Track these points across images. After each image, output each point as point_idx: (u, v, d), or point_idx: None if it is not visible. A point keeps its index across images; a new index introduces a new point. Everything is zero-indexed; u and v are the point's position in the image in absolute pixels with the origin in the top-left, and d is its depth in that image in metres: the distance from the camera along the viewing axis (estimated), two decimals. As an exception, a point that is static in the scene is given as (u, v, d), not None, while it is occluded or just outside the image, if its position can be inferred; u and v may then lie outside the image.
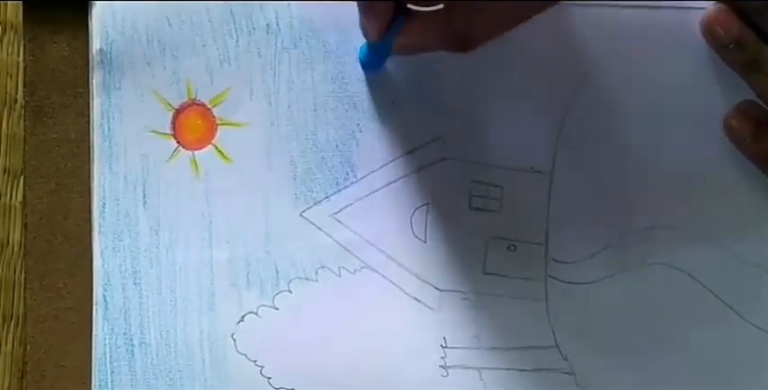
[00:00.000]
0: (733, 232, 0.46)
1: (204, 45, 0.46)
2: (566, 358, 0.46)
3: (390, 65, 0.46)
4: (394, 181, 0.46)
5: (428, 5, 0.38)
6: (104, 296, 0.46)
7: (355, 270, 0.46)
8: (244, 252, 0.46)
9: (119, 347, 0.46)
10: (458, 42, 0.42)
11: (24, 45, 0.46)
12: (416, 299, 0.46)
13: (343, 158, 0.46)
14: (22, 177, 0.47)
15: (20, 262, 0.49)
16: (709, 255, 0.46)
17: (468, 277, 0.46)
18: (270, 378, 0.46)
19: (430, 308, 0.46)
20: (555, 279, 0.46)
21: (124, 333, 0.46)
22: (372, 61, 0.45)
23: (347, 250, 0.46)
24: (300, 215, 0.46)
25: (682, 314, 0.46)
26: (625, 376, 0.46)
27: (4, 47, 0.50)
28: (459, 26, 0.40)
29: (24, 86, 0.46)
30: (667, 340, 0.46)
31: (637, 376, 0.46)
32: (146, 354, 0.46)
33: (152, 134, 0.46)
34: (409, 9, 0.39)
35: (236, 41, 0.46)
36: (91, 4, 0.46)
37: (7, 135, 0.50)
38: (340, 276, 0.46)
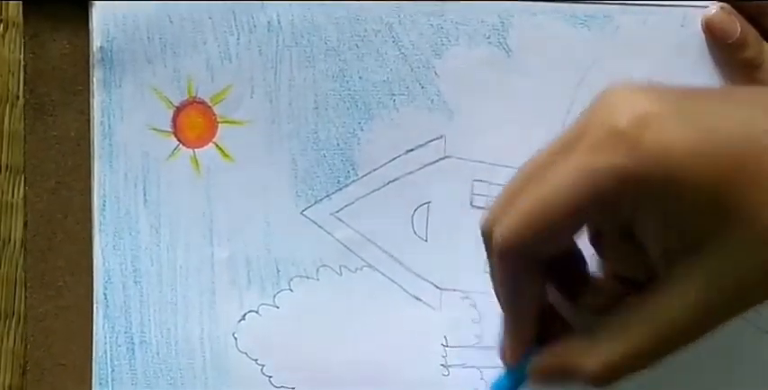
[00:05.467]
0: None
1: (205, 43, 0.46)
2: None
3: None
4: (395, 180, 0.46)
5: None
6: (105, 294, 0.46)
7: (356, 269, 0.46)
8: (244, 251, 0.46)
9: (119, 345, 0.46)
10: None
11: (25, 43, 0.46)
12: (417, 298, 0.46)
13: (344, 156, 0.46)
14: (23, 174, 0.47)
15: (21, 260, 0.49)
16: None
17: (469, 276, 0.46)
18: (270, 377, 0.46)
19: (431, 307, 0.46)
20: (556, 277, 0.46)
21: (125, 332, 0.46)
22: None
23: (348, 248, 0.46)
24: (301, 213, 0.46)
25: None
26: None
27: (5, 44, 0.50)
28: None
29: (25, 84, 0.46)
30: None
31: (636, 377, 0.46)
32: (146, 352, 0.46)
33: (153, 132, 0.46)
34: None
35: (237, 39, 0.46)
36: (91, 2, 0.46)
37: (8, 132, 0.50)
38: (341, 274, 0.46)
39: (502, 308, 0.39)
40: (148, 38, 0.46)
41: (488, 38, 0.46)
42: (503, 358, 0.40)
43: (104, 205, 0.46)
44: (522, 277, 0.38)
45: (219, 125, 0.46)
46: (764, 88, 0.39)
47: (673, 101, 0.35)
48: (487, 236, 0.38)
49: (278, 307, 0.46)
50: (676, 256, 0.36)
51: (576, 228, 0.36)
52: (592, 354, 0.37)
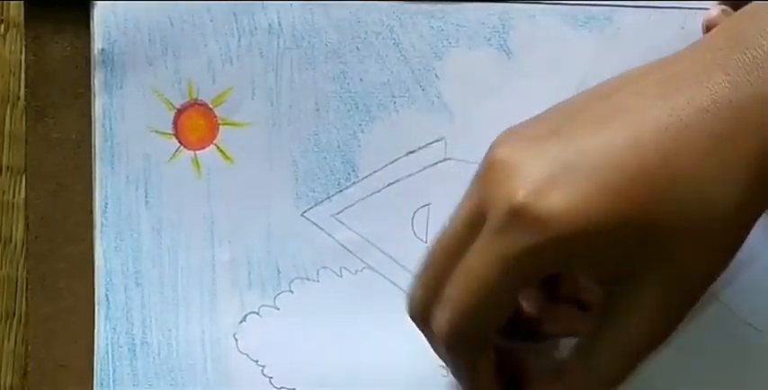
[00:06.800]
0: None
1: (206, 45, 0.46)
2: (566, 359, 0.46)
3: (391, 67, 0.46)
4: (395, 182, 0.46)
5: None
6: (107, 295, 0.46)
7: (356, 271, 0.46)
8: (245, 252, 0.46)
9: (121, 346, 0.46)
10: None
11: (26, 45, 0.46)
12: (417, 300, 0.46)
13: (344, 158, 0.46)
14: (24, 174, 0.47)
15: (22, 260, 0.49)
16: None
17: (469, 277, 0.46)
18: (271, 378, 0.46)
19: (431, 309, 0.46)
20: (556, 279, 0.46)
21: (126, 333, 0.46)
22: None
23: (348, 250, 0.46)
24: (302, 215, 0.46)
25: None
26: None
27: (6, 44, 0.50)
28: None
29: (26, 86, 0.46)
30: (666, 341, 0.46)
31: (636, 377, 0.46)
32: (147, 354, 0.46)
33: (154, 134, 0.46)
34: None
35: (238, 41, 0.46)
36: (92, 4, 0.46)
37: (10, 132, 0.50)
38: (341, 276, 0.46)
39: (461, 384, 0.39)
40: (150, 40, 0.46)
41: (489, 40, 0.46)
42: None
43: (106, 207, 0.46)
44: (473, 355, 0.38)
45: (220, 127, 0.46)
46: (622, 101, 0.37)
47: (557, 153, 0.35)
48: (422, 325, 0.38)
49: (278, 309, 0.46)
50: (615, 287, 0.36)
51: (514, 302, 0.37)
52: None
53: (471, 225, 0.36)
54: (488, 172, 0.36)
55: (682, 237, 0.35)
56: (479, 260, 0.35)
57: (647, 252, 0.35)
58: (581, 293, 0.40)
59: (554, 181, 0.34)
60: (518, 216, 0.34)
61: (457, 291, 0.36)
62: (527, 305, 0.41)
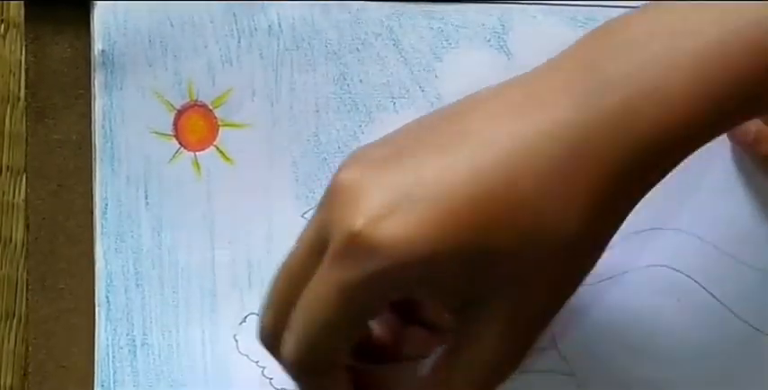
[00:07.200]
0: (734, 234, 0.46)
1: (206, 46, 0.46)
2: (565, 359, 0.46)
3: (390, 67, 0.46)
4: (395, 183, 0.46)
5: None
6: (107, 297, 0.46)
7: (357, 272, 0.46)
8: (245, 253, 0.46)
9: (121, 347, 0.46)
10: None
11: (26, 46, 0.46)
12: (417, 301, 0.46)
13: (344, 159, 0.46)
14: (25, 175, 0.47)
15: (22, 260, 0.49)
16: (710, 257, 0.46)
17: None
18: (271, 379, 0.46)
19: (431, 309, 0.46)
20: (556, 280, 0.46)
21: (127, 334, 0.46)
22: None
23: (349, 251, 0.46)
24: (302, 216, 0.46)
25: (681, 316, 0.46)
26: (625, 376, 0.46)
27: (6, 45, 0.50)
28: None
29: (26, 87, 0.46)
30: (666, 341, 0.46)
31: (636, 377, 0.46)
32: (148, 355, 0.46)
33: (154, 135, 0.46)
34: None
35: (238, 42, 0.46)
36: (92, 5, 0.46)
37: (10, 132, 0.50)
38: (341, 277, 0.46)
39: None
40: (150, 41, 0.46)
41: (488, 41, 0.46)
42: None
43: (106, 208, 0.46)
44: (320, 381, 0.37)
45: (220, 128, 0.46)
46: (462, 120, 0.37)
47: (399, 179, 0.34)
48: (270, 350, 0.38)
49: (279, 309, 0.46)
50: (464, 313, 0.36)
51: (360, 328, 0.37)
52: None
53: (315, 250, 0.36)
54: (331, 198, 0.36)
55: (523, 263, 0.34)
56: (319, 288, 0.35)
57: (488, 278, 0.34)
58: (436, 316, 0.40)
59: (392, 209, 0.34)
60: (355, 243, 0.34)
61: (300, 319, 0.36)
62: (380, 329, 0.40)
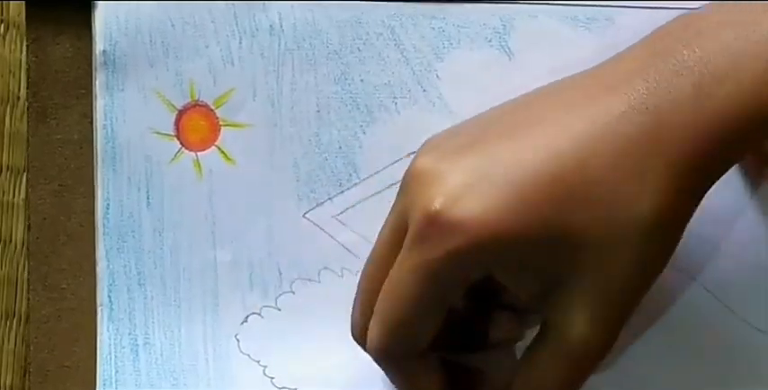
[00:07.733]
0: (734, 234, 0.46)
1: (207, 46, 0.46)
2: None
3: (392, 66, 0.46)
4: (397, 183, 0.45)
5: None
6: (109, 297, 0.46)
7: (357, 272, 0.46)
8: (247, 254, 0.46)
9: (123, 347, 0.46)
10: None
11: (27, 46, 0.46)
12: (419, 300, 0.46)
13: (345, 159, 0.46)
14: (25, 174, 0.47)
15: (23, 260, 0.49)
16: (709, 257, 0.46)
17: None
18: (273, 378, 0.46)
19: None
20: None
21: (129, 334, 0.46)
22: None
23: (350, 251, 0.46)
24: (303, 216, 0.46)
25: (680, 315, 0.46)
26: (625, 376, 0.46)
27: (6, 44, 0.50)
28: None
29: (27, 87, 0.46)
30: (667, 341, 0.46)
31: (636, 377, 0.46)
32: (150, 354, 0.46)
33: (155, 135, 0.46)
34: None
35: (240, 42, 0.46)
36: (94, 5, 0.46)
37: (10, 132, 0.50)
38: (342, 277, 0.46)
39: None
40: (151, 41, 0.46)
41: (490, 40, 0.46)
42: None
43: (107, 208, 0.46)
44: (408, 369, 0.38)
45: (222, 128, 0.46)
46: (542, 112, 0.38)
47: (475, 162, 0.35)
48: (361, 343, 0.38)
49: (280, 309, 0.46)
50: (547, 300, 0.36)
51: (441, 312, 0.37)
52: None
53: (396, 236, 0.37)
54: (410, 183, 0.37)
55: (602, 241, 0.35)
56: (401, 270, 0.36)
57: (569, 257, 0.35)
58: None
59: (470, 189, 0.35)
60: (434, 223, 0.35)
61: (383, 304, 0.37)
62: (467, 316, 0.40)
